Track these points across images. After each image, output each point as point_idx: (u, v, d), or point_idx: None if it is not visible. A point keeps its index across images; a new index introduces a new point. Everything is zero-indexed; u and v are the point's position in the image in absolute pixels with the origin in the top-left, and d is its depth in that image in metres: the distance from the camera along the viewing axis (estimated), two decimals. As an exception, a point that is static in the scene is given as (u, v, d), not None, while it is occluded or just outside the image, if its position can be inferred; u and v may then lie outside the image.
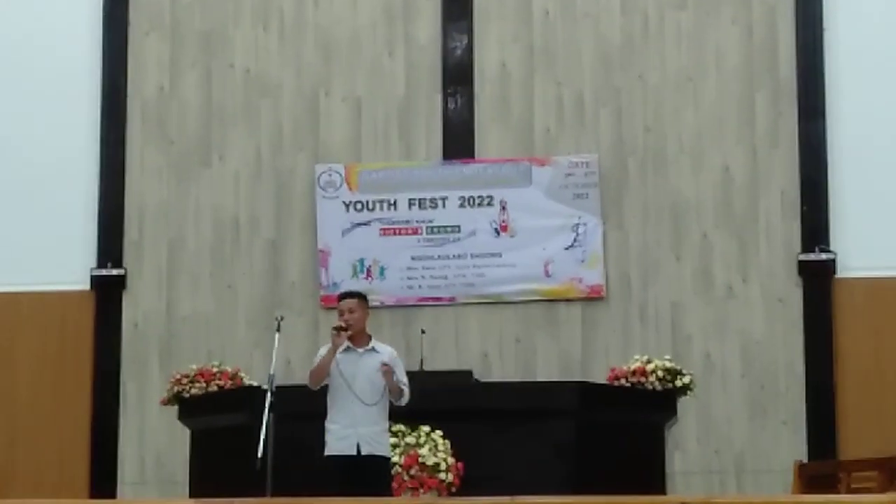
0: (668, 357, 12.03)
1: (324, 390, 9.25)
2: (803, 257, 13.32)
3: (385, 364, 9.12)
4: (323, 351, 9.30)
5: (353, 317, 9.21)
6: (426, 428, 10.41)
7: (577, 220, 13.54)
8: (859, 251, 13.23)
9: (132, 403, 13.69)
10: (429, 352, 12.52)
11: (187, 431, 12.12)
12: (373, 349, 9.28)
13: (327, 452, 9.15)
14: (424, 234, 13.71)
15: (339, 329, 9.14)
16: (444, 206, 13.71)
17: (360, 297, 9.44)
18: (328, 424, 9.18)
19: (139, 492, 13.19)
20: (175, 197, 13.98)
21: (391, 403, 9.30)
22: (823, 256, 13.26)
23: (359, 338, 9.25)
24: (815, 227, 13.34)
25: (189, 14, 14.12)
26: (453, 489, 10.38)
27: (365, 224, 13.76)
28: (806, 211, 13.37)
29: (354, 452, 9.07)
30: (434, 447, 10.40)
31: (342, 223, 13.77)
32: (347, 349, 9.19)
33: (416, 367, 11.59)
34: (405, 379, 9.27)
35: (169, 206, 13.97)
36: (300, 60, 14.02)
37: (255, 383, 11.56)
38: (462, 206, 13.70)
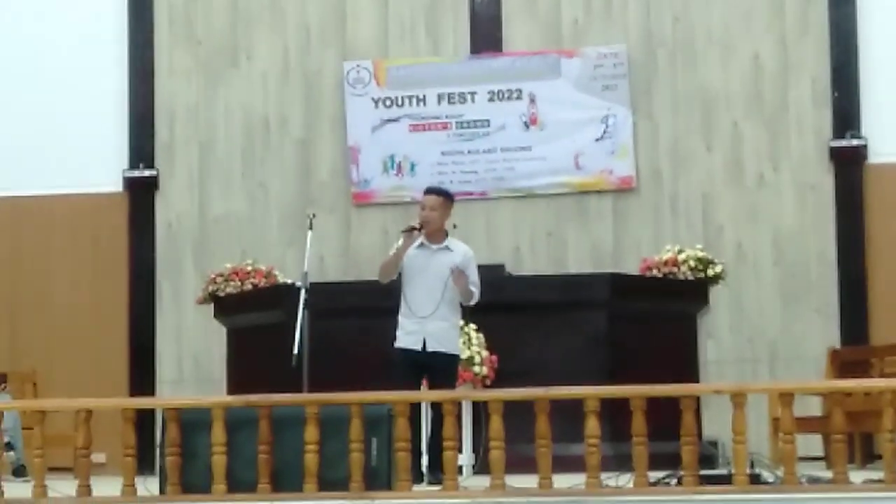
0: (699, 247, 12.09)
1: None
2: (834, 144, 13.25)
3: (456, 268, 9.08)
4: (400, 243, 9.30)
5: (431, 214, 9.22)
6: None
7: (606, 111, 13.48)
8: (891, 137, 13.12)
9: (168, 303, 13.82)
10: (461, 246, 12.52)
11: (223, 330, 12.26)
12: (446, 247, 9.27)
13: (396, 344, 9.20)
14: (454, 129, 13.70)
15: (409, 230, 9.15)
16: (472, 100, 13.68)
17: (444, 194, 9.46)
18: (400, 318, 9.22)
19: (177, 390, 13.32)
20: (204, 98, 14.00)
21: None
22: (855, 142, 13.19)
23: (435, 235, 9.24)
24: (846, 113, 13.25)
25: (213, -88, 14.06)
26: (488, 381, 10.48)
27: (394, 120, 13.76)
28: (836, 97, 13.27)
29: (420, 348, 9.12)
30: (468, 340, 10.47)
31: (372, 120, 13.77)
32: (421, 245, 9.21)
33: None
34: (476, 278, 9.22)
35: (198, 106, 13.99)
36: (325, -44, 13.95)
37: (290, 281, 11.62)
38: (491, 100, 13.66)
